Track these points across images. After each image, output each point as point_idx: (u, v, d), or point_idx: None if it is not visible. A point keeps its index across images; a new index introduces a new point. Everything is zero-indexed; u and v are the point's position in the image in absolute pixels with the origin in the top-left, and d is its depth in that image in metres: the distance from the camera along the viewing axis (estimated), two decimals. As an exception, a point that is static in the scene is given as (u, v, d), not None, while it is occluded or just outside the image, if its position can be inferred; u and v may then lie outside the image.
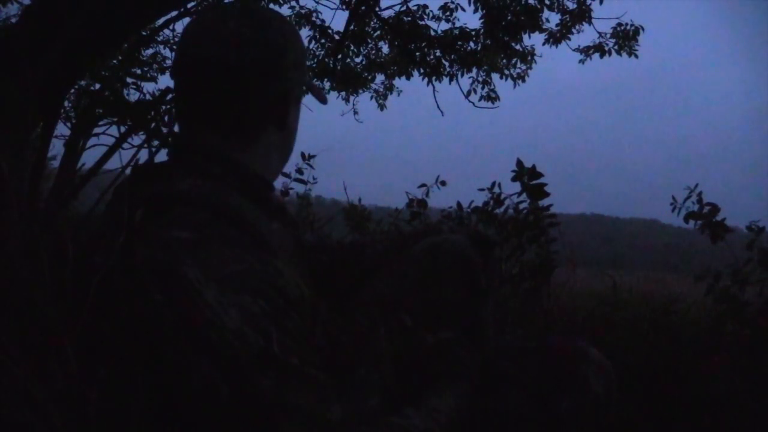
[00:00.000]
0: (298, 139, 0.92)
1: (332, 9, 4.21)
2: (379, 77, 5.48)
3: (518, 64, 4.94)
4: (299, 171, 2.79)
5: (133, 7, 1.92)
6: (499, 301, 2.07)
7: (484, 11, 4.04)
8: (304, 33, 4.34)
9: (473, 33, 4.24)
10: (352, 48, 4.71)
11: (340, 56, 4.53)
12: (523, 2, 3.93)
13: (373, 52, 4.96)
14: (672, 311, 2.05)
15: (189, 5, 3.51)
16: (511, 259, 2.19)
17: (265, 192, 0.82)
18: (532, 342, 1.03)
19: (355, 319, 0.85)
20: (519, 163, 2.15)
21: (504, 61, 4.78)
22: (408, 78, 4.61)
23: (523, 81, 5.11)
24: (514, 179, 2.17)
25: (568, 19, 4.51)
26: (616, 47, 4.66)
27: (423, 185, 2.57)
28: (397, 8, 4.27)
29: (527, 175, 2.15)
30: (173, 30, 4.08)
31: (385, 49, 4.93)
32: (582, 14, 4.43)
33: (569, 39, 4.65)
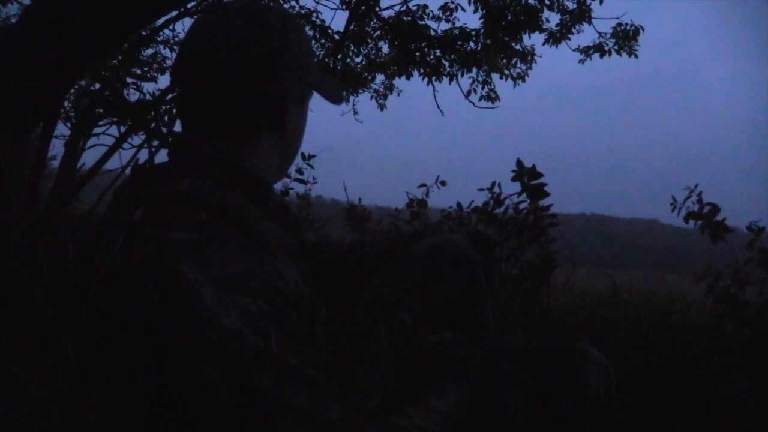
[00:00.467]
0: (299, 139, 0.92)
1: (332, 9, 4.21)
2: (379, 77, 5.48)
3: (518, 64, 4.94)
4: (299, 171, 2.79)
5: (133, 7, 1.92)
6: (499, 301, 2.07)
7: (484, 11, 4.04)
8: (304, 33, 4.30)
9: (473, 33, 4.24)
10: (352, 48, 4.71)
11: (340, 56, 4.53)
12: (523, 2, 3.93)
13: (373, 52, 4.96)
14: (672, 311, 2.05)
15: (189, 5, 3.51)
16: (511, 259, 2.20)
17: (264, 192, 0.82)
18: (532, 342, 1.03)
19: (355, 319, 0.85)
20: (519, 163, 2.15)
21: (504, 61, 4.78)
22: (408, 78, 4.60)
23: (523, 81, 5.11)
24: (514, 179, 2.17)
25: (568, 19, 4.51)
26: (616, 47, 4.66)
27: (423, 185, 2.57)
28: (397, 8, 4.28)
29: (527, 175, 2.15)
30: (173, 30, 4.08)
31: (385, 49, 4.93)
32: (582, 14, 4.43)
33: (569, 39, 4.65)
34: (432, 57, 4.37)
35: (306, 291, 0.73)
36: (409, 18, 4.23)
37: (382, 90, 5.74)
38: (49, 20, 1.40)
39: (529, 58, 4.83)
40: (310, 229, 2.36)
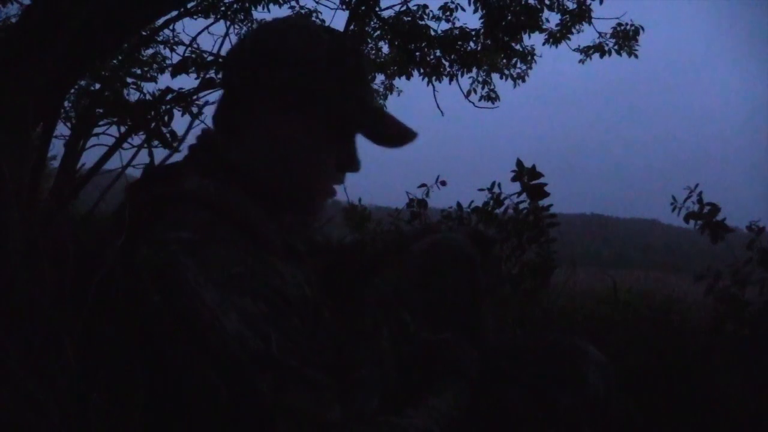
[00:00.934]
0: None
1: (332, 9, 4.21)
2: (379, 77, 5.48)
3: (518, 64, 4.94)
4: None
5: (134, 7, 1.92)
6: (499, 300, 2.07)
7: (484, 11, 4.04)
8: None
9: (473, 33, 4.24)
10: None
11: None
12: (523, 2, 3.93)
13: (373, 52, 4.96)
14: (672, 311, 2.05)
15: (189, 5, 3.51)
16: (511, 259, 2.20)
17: (269, 191, 0.80)
18: (530, 340, 1.03)
19: (358, 319, 0.85)
20: (519, 163, 2.15)
21: (504, 61, 4.78)
22: (408, 78, 4.60)
23: (523, 81, 5.11)
24: (514, 179, 2.17)
25: (568, 19, 4.51)
26: (616, 47, 4.66)
27: (423, 185, 2.57)
28: (397, 8, 4.28)
29: (527, 175, 2.15)
30: (173, 30, 4.08)
31: (385, 49, 4.93)
32: (582, 14, 4.43)
33: (569, 39, 4.65)
34: (432, 57, 4.36)
35: (308, 291, 0.73)
36: (409, 18, 4.23)
37: (382, 90, 5.74)
38: (49, 20, 1.40)
39: (529, 58, 4.83)
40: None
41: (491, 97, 5.12)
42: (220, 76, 0.83)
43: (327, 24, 4.42)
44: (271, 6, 4.01)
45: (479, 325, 1.00)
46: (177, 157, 0.83)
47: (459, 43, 4.28)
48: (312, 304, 0.73)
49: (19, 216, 0.85)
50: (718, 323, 1.84)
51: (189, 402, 0.63)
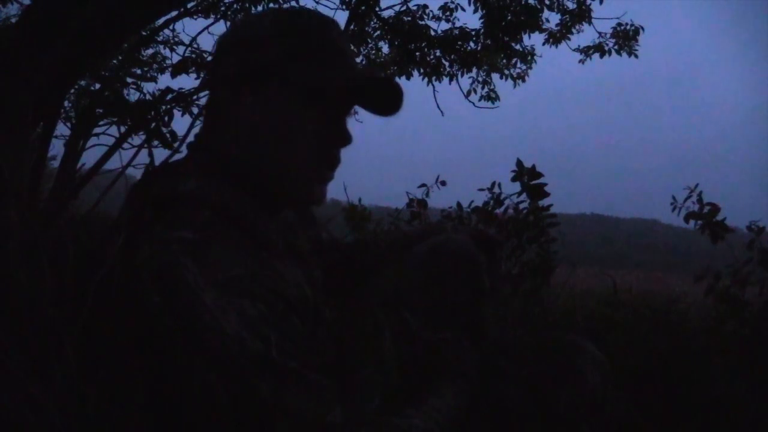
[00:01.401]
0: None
1: (332, 9, 4.21)
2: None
3: (518, 64, 4.95)
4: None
5: (133, 7, 1.92)
6: (500, 300, 2.07)
7: (484, 11, 4.04)
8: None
9: (473, 33, 4.24)
10: (352, 48, 4.71)
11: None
12: (523, 2, 3.93)
13: (373, 52, 4.95)
14: (672, 311, 2.05)
15: (189, 5, 3.51)
16: (511, 259, 2.19)
17: (268, 189, 0.79)
18: (528, 338, 1.03)
19: (360, 319, 0.85)
20: (519, 163, 2.15)
21: (504, 61, 4.78)
22: (408, 78, 4.60)
23: (523, 81, 5.11)
24: (514, 179, 2.17)
25: (568, 19, 4.51)
26: (616, 47, 4.66)
27: (423, 185, 2.57)
28: (397, 8, 4.28)
29: (527, 175, 2.15)
30: (173, 30, 4.08)
31: (385, 49, 4.93)
32: (582, 14, 4.43)
33: (569, 39, 4.66)
34: (432, 57, 4.36)
35: (309, 292, 0.73)
36: (409, 18, 4.23)
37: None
38: (49, 20, 1.40)
39: (529, 58, 4.83)
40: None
41: (491, 97, 5.12)
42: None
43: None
44: (270, 6, 4.01)
45: (480, 325, 1.00)
46: (177, 158, 0.83)
47: (459, 43, 4.28)
48: (312, 304, 0.73)
49: (19, 216, 0.85)
50: (718, 323, 1.84)
51: (188, 403, 0.62)
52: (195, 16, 3.90)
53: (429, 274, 0.98)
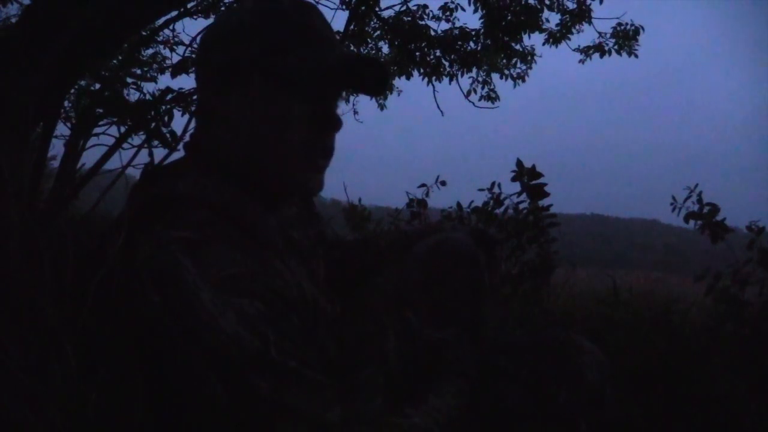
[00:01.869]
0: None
1: (332, 9, 4.21)
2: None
3: (518, 64, 4.95)
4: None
5: (133, 7, 1.92)
6: (500, 300, 2.07)
7: (484, 11, 4.04)
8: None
9: (473, 33, 4.24)
10: (352, 48, 4.71)
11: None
12: (523, 2, 3.93)
13: (373, 52, 4.96)
14: (672, 311, 2.05)
15: (189, 5, 3.51)
16: (511, 259, 2.20)
17: (263, 184, 0.78)
18: (526, 336, 1.03)
19: (362, 319, 0.85)
20: (519, 163, 2.15)
21: (504, 61, 4.78)
22: (408, 78, 4.60)
23: (523, 81, 5.12)
24: (514, 179, 2.17)
25: (568, 19, 4.51)
26: (615, 47, 4.66)
27: (423, 185, 2.58)
28: (397, 8, 4.28)
29: (527, 175, 2.15)
30: (173, 30, 4.08)
31: (385, 49, 4.93)
32: (582, 14, 4.43)
33: (569, 39, 4.65)
34: (432, 57, 4.36)
35: (309, 290, 0.73)
36: (409, 18, 4.23)
37: (382, 90, 5.72)
38: (49, 20, 1.40)
39: (529, 58, 4.84)
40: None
41: (491, 97, 5.12)
42: None
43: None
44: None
45: (481, 324, 1.00)
46: (177, 158, 0.84)
47: (459, 43, 4.28)
48: (312, 303, 0.73)
49: (19, 216, 0.85)
50: (718, 323, 1.84)
51: (188, 402, 0.63)
52: (195, 16, 3.90)
53: (429, 273, 0.98)
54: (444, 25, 4.34)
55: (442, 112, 4.94)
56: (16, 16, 3.06)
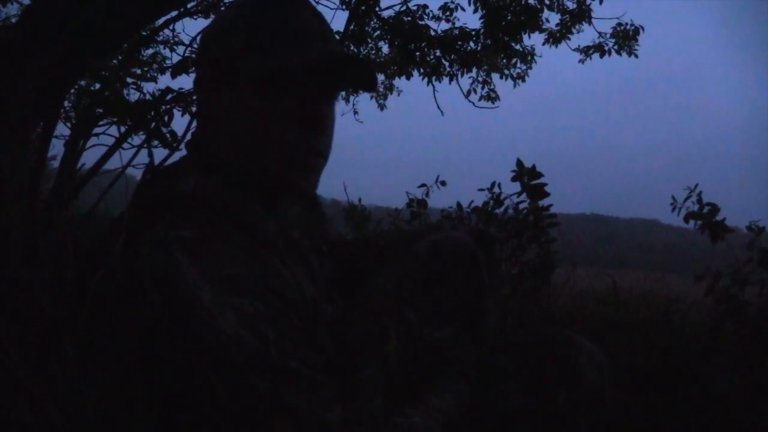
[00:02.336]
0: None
1: (332, 9, 4.21)
2: (379, 77, 5.48)
3: (518, 64, 4.95)
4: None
5: (133, 7, 1.92)
6: (500, 300, 2.07)
7: (484, 11, 4.04)
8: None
9: (473, 33, 4.24)
10: (352, 48, 4.71)
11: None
12: (523, 2, 3.93)
13: (373, 52, 4.95)
14: (672, 311, 2.05)
15: (189, 5, 3.51)
16: (511, 259, 2.20)
17: (258, 183, 0.78)
18: (526, 335, 1.03)
19: (362, 319, 0.85)
20: (519, 163, 2.15)
21: (504, 61, 4.78)
22: (408, 78, 4.59)
23: (523, 81, 5.12)
24: (514, 179, 2.17)
25: (568, 19, 4.52)
26: (615, 47, 4.66)
27: (423, 185, 2.58)
28: (397, 8, 4.28)
29: (527, 175, 2.15)
30: (173, 30, 4.08)
31: (385, 49, 4.93)
32: (582, 14, 4.43)
33: (569, 39, 4.66)
34: (432, 57, 4.36)
35: (309, 290, 0.73)
36: (409, 18, 4.23)
37: (382, 90, 5.74)
38: (49, 20, 1.40)
39: (529, 58, 4.84)
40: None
41: (491, 97, 5.12)
42: None
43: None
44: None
45: (481, 323, 1.00)
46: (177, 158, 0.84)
47: (459, 43, 4.28)
48: (312, 303, 0.73)
49: (19, 216, 0.85)
50: (718, 323, 1.84)
51: (187, 402, 0.63)
52: (195, 16, 3.91)
53: (429, 272, 0.98)
54: (444, 25, 4.35)
55: (442, 112, 4.94)
56: (16, 16, 3.06)
